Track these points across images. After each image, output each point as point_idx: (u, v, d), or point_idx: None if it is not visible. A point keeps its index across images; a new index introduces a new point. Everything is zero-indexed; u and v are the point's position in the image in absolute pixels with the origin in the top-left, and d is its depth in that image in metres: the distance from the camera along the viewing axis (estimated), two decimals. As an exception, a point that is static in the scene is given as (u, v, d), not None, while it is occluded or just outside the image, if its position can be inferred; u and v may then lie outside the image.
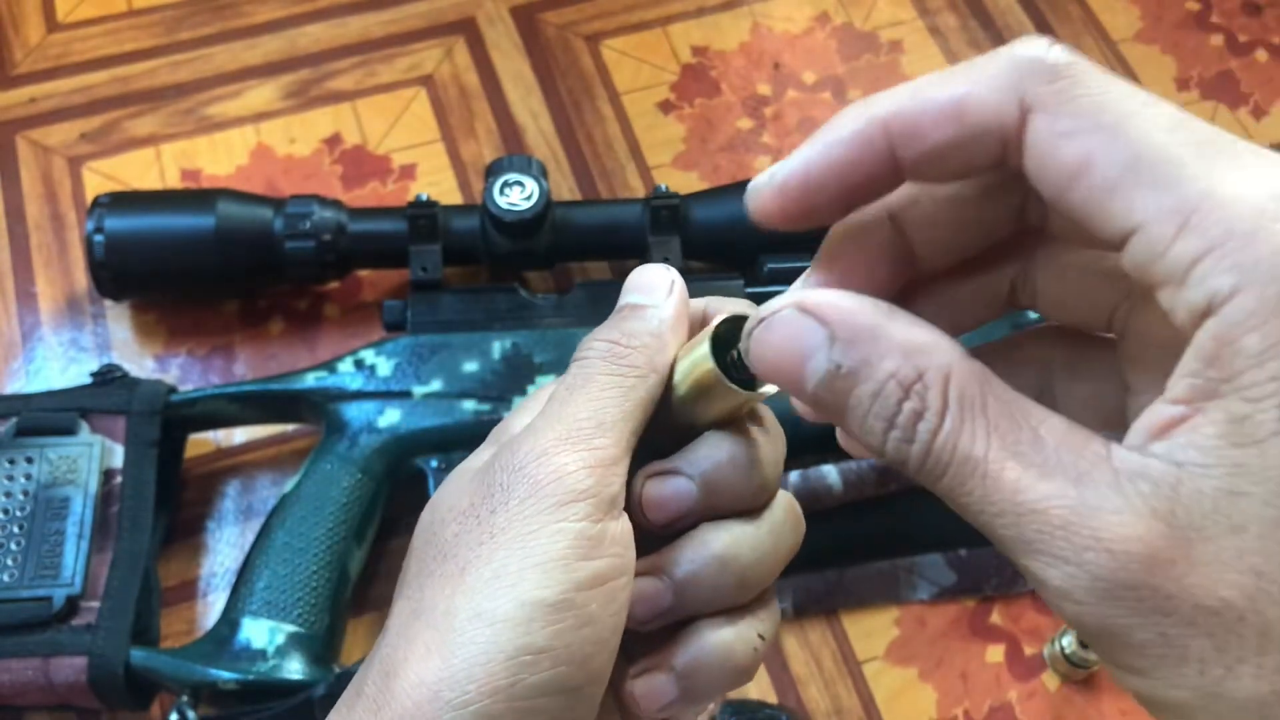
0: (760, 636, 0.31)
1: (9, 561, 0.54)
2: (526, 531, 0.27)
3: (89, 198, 0.70)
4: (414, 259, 0.63)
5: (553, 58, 0.79)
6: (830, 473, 0.60)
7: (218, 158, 0.74)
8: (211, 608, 0.61)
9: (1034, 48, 0.23)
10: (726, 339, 0.30)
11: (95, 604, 0.54)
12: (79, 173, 0.73)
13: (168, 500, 0.61)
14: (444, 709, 0.26)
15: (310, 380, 0.60)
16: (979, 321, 0.30)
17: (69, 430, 0.57)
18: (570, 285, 0.66)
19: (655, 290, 0.31)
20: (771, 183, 0.26)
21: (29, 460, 0.56)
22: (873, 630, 0.62)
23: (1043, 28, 0.81)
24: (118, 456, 0.57)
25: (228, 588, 0.60)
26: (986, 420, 0.23)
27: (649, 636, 0.31)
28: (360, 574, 0.59)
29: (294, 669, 0.54)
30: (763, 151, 0.76)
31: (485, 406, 0.60)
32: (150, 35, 0.78)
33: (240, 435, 0.65)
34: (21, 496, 0.56)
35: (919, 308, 0.28)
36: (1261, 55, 0.81)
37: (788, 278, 0.41)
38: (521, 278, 0.68)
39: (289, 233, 0.63)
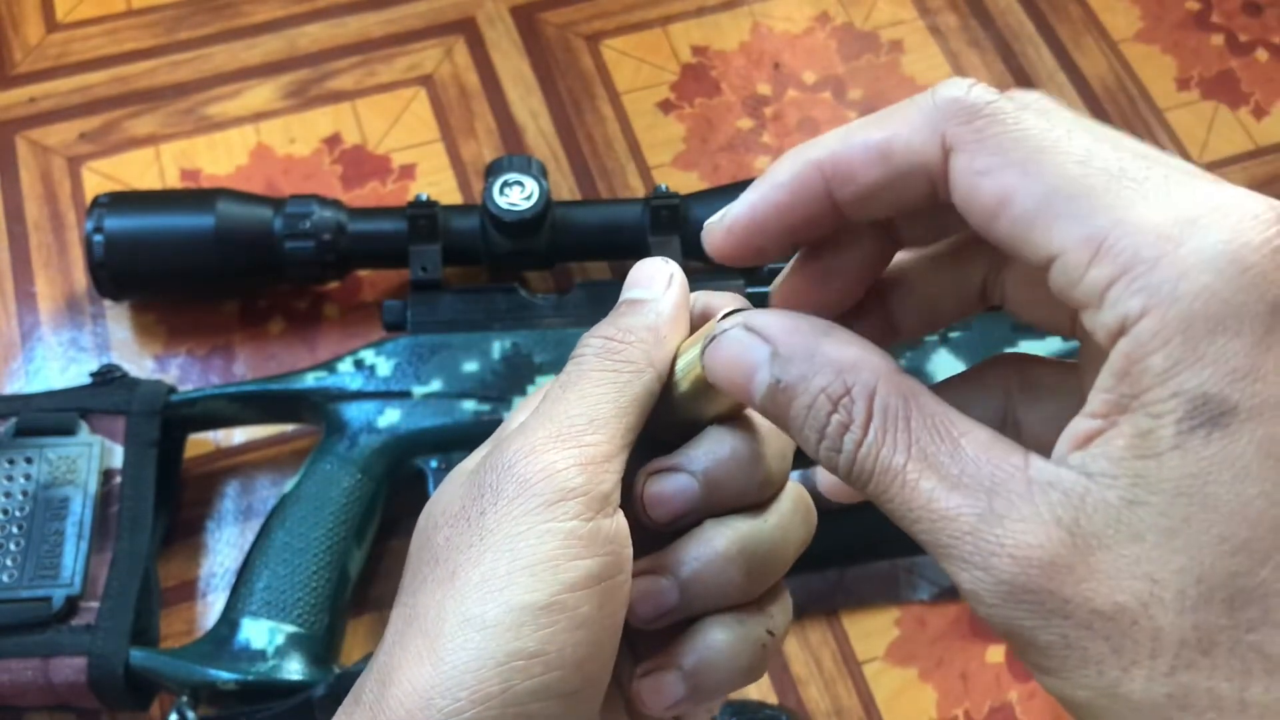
0: (769, 633, 0.31)
1: (8, 562, 0.54)
2: (515, 533, 0.27)
3: (88, 198, 0.70)
4: (414, 259, 0.63)
5: (553, 58, 0.79)
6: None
7: (217, 158, 0.74)
8: (211, 608, 0.61)
9: (954, 89, 0.24)
10: None
11: (95, 604, 0.54)
12: (78, 173, 0.73)
13: (167, 500, 0.61)
14: (436, 716, 0.26)
15: (310, 380, 0.60)
16: (956, 315, 0.31)
17: (69, 430, 0.57)
18: (570, 285, 0.66)
19: (654, 284, 0.31)
20: (721, 224, 0.28)
21: (28, 460, 0.56)
22: (873, 630, 0.62)
23: (1043, 28, 0.81)
24: (117, 457, 0.57)
25: (227, 588, 0.60)
26: (909, 433, 0.24)
27: (657, 635, 0.31)
28: (360, 574, 0.59)
29: (294, 669, 0.54)
30: (763, 151, 0.76)
31: (485, 407, 0.60)
32: (150, 35, 0.78)
33: (240, 435, 0.65)
34: (21, 497, 0.56)
35: (896, 299, 0.30)
36: (1262, 55, 0.81)
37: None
38: (521, 278, 0.68)
39: (289, 233, 0.63)
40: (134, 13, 0.79)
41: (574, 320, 0.63)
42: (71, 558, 0.54)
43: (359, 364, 0.60)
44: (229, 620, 0.55)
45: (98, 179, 0.72)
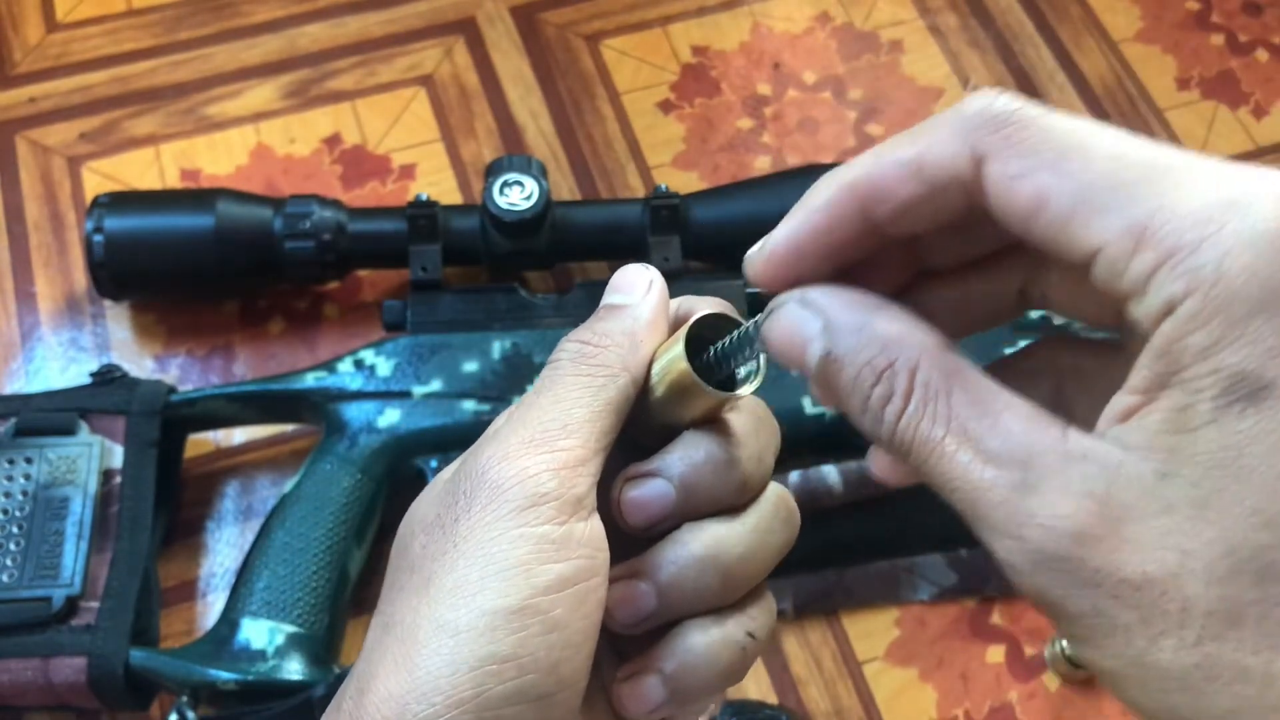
0: (750, 635, 0.30)
1: (8, 562, 0.54)
2: (488, 538, 0.27)
3: (88, 198, 0.70)
4: (414, 259, 0.63)
5: (553, 57, 0.79)
6: (830, 473, 0.60)
7: (217, 158, 0.74)
8: (211, 608, 0.61)
9: (980, 101, 0.25)
10: (702, 339, 0.29)
11: (95, 604, 0.54)
12: (78, 172, 0.73)
13: (167, 500, 0.61)
14: None
15: (310, 380, 0.60)
16: (993, 322, 0.31)
17: (68, 430, 0.57)
18: (570, 285, 0.66)
19: (634, 290, 0.31)
20: (761, 253, 0.28)
21: (28, 460, 0.56)
22: (873, 630, 0.62)
23: (1043, 28, 0.81)
24: (117, 457, 0.57)
25: (227, 588, 0.60)
26: (949, 406, 0.25)
27: (641, 639, 0.31)
28: (360, 574, 0.59)
29: (293, 669, 0.54)
30: (763, 151, 0.76)
31: (485, 407, 0.60)
32: (150, 35, 0.78)
33: (240, 435, 0.65)
34: (21, 497, 0.56)
35: (927, 305, 0.29)
36: (1262, 55, 0.81)
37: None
38: (521, 278, 0.68)
39: (289, 233, 0.63)
40: (134, 13, 0.79)
41: (574, 320, 0.62)
42: (71, 558, 0.54)
43: (359, 364, 0.60)
44: (229, 620, 0.55)
45: (98, 179, 0.72)
